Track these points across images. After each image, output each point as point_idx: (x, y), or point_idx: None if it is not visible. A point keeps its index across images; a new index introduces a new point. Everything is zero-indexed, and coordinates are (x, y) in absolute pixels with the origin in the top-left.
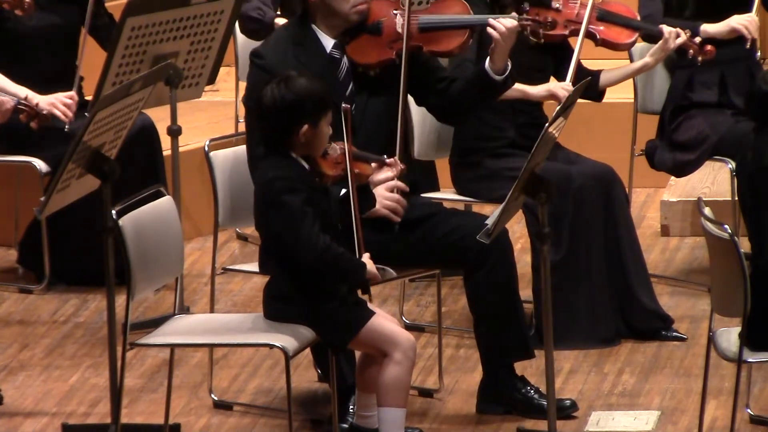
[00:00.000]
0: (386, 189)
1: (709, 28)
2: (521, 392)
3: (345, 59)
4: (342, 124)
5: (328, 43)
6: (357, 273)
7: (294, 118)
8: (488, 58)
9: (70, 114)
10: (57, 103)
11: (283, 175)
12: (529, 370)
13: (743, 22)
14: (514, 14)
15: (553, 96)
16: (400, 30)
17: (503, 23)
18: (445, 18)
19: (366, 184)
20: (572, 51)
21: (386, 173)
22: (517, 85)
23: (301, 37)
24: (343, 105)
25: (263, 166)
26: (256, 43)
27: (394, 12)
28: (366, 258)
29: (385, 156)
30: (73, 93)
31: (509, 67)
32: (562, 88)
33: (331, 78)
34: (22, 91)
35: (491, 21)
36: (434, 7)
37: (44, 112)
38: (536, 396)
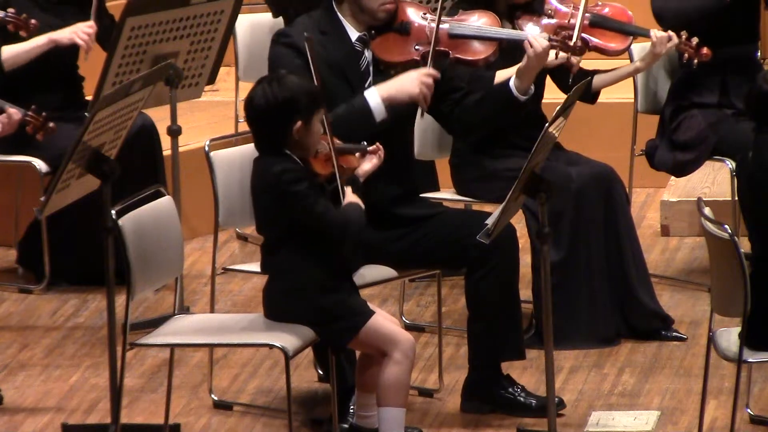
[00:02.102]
0: (424, 75)
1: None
2: (508, 391)
3: (367, 53)
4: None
5: (353, 34)
6: (362, 219)
7: (288, 115)
8: (513, 76)
9: (91, 44)
10: (79, 32)
11: (289, 168)
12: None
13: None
14: (545, 34)
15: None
16: (428, 32)
17: (541, 42)
18: (476, 27)
19: (354, 177)
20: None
21: (371, 161)
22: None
23: (327, 25)
24: (306, 35)
25: (264, 163)
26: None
27: (424, 15)
28: (349, 193)
29: (365, 143)
30: (92, 22)
31: (532, 91)
32: (534, 38)
33: (353, 68)
34: (44, 38)
35: (529, 38)
36: (463, 16)
37: (66, 41)
38: (523, 395)
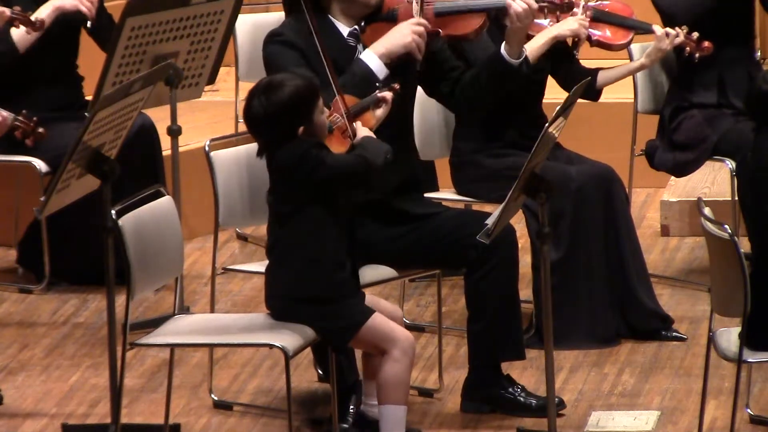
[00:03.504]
0: (414, 24)
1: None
2: (508, 391)
3: (360, 47)
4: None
5: (343, 31)
6: (381, 145)
7: (287, 126)
8: (504, 42)
9: (94, 10)
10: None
11: (313, 144)
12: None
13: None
14: None
15: (576, 34)
16: (415, 15)
17: (521, 3)
18: (460, 2)
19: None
20: (569, 52)
21: (382, 109)
22: (538, 37)
23: (316, 23)
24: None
25: (287, 147)
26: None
27: (409, 1)
28: (359, 128)
29: (377, 91)
30: None
31: (525, 53)
32: (580, 24)
33: (347, 65)
34: (48, 7)
35: (509, 1)
36: None
37: (69, 7)
38: (523, 395)
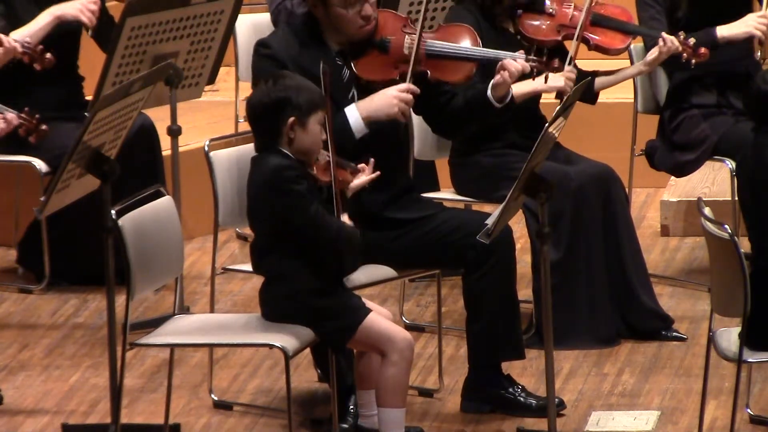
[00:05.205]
0: (399, 90)
1: (724, 32)
2: (508, 391)
3: (346, 70)
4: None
5: (333, 47)
6: (355, 238)
7: (281, 110)
8: (490, 85)
9: (95, 20)
10: (84, 9)
11: (288, 164)
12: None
13: (760, 27)
14: (522, 53)
15: (561, 90)
16: (407, 52)
17: (514, 65)
18: (453, 47)
19: (343, 191)
20: (566, 53)
21: (360, 179)
22: (524, 85)
23: (307, 37)
24: (322, 66)
25: (261, 159)
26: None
27: (404, 31)
28: (345, 219)
29: (353, 164)
30: None
31: (510, 95)
32: (567, 78)
33: (335, 80)
34: (48, 16)
35: (504, 63)
36: (443, 32)
37: (70, 17)
38: (523, 395)
